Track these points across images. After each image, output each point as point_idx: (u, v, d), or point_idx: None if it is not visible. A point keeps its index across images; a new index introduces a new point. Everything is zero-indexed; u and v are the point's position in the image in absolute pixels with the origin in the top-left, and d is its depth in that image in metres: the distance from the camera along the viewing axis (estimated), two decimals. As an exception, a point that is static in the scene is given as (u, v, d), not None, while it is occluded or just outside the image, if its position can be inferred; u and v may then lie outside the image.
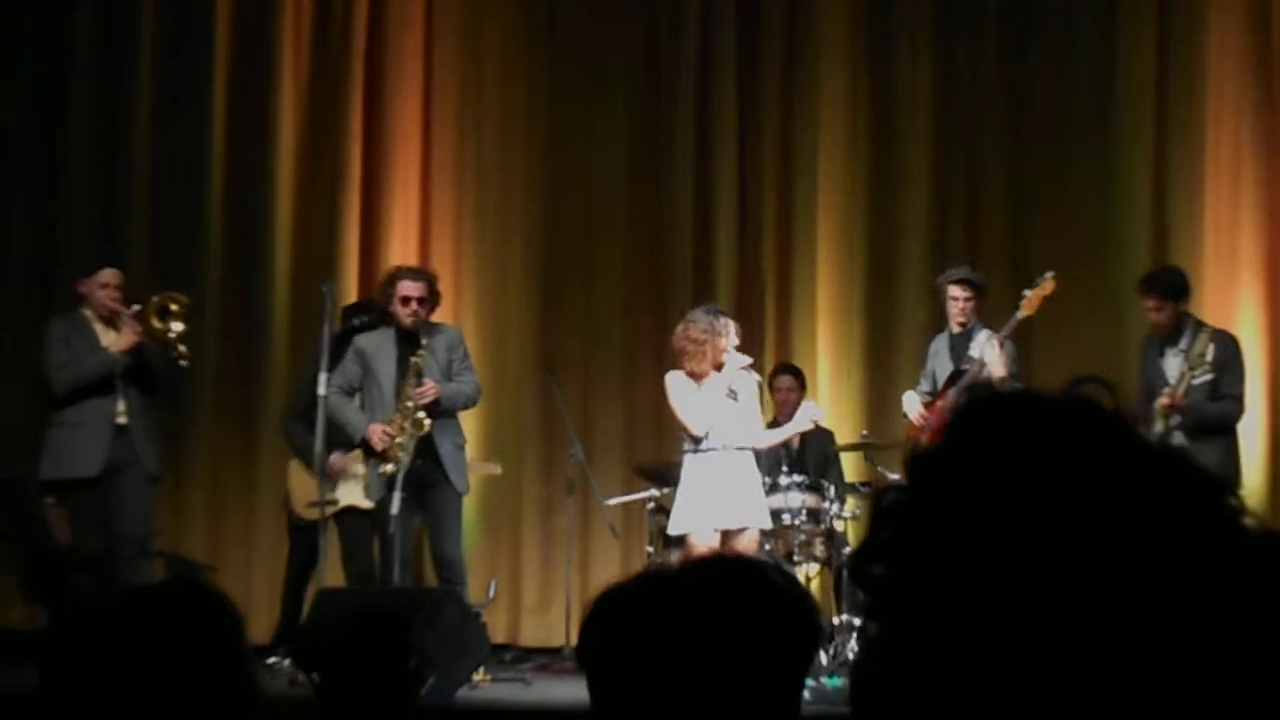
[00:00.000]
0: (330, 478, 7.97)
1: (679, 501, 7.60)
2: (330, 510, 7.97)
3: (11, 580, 8.73)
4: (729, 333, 7.56)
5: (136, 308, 7.58)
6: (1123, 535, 0.99)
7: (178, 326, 7.65)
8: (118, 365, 7.51)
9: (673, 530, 7.65)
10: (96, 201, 9.54)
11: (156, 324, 7.65)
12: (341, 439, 7.78)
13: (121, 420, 7.58)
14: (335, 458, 7.96)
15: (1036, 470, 1.01)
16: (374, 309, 8.00)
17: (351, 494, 7.96)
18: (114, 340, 7.51)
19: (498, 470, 9.00)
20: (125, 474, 7.59)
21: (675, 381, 7.58)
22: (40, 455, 7.58)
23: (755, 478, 7.64)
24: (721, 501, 7.47)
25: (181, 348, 7.68)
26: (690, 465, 7.59)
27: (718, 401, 7.52)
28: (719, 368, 7.52)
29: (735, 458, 7.55)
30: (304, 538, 8.33)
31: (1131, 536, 0.99)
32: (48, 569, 7.95)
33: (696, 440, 7.54)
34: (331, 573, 8.12)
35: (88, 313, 7.63)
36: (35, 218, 9.58)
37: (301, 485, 8.35)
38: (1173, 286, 7.73)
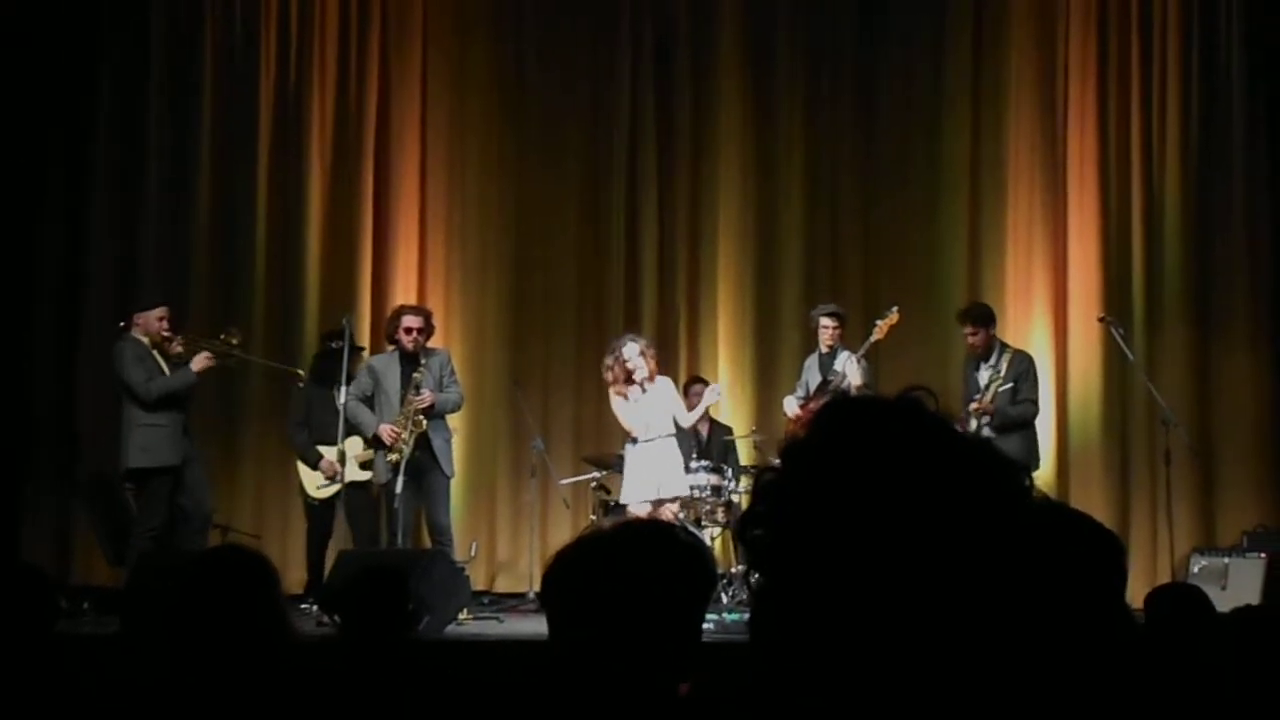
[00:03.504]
0: (329, 475, 8.05)
1: (625, 480, 7.66)
2: (339, 488, 7.97)
3: (99, 549, 8.60)
4: (624, 350, 7.65)
5: (179, 336, 7.58)
6: (938, 502, 1.00)
7: (232, 347, 7.83)
8: (193, 381, 7.49)
9: (623, 499, 7.73)
10: (167, 251, 9.38)
11: (222, 350, 7.75)
12: (351, 434, 7.81)
13: (184, 422, 7.52)
14: (325, 462, 8.02)
15: (876, 455, 1.02)
16: (342, 332, 7.94)
17: (352, 473, 7.93)
18: (195, 363, 7.47)
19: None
20: (191, 465, 7.54)
21: (613, 402, 7.67)
22: (129, 449, 7.44)
23: (678, 458, 7.69)
24: (653, 480, 7.54)
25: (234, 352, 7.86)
26: (630, 453, 7.63)
27: (643, 406, 7.59)
28: (628, 376, 7.59)
29: (661, 445, 7.61)
30: (318, 514, 8.30)
31: (944, 503, 1.00)
32: (125, 540, 7.83)
33: (634, 439, 7.62)
34: (342, 538, 8.09)
35: (141, 338, 7.54)
36: (121, 266, 9.41)
37: (308, 476, 8.31)
38: (983, 316, 7.80)
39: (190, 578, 2.42)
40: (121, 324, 7.70)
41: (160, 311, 7.59)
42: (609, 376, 7.72)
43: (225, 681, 2.25)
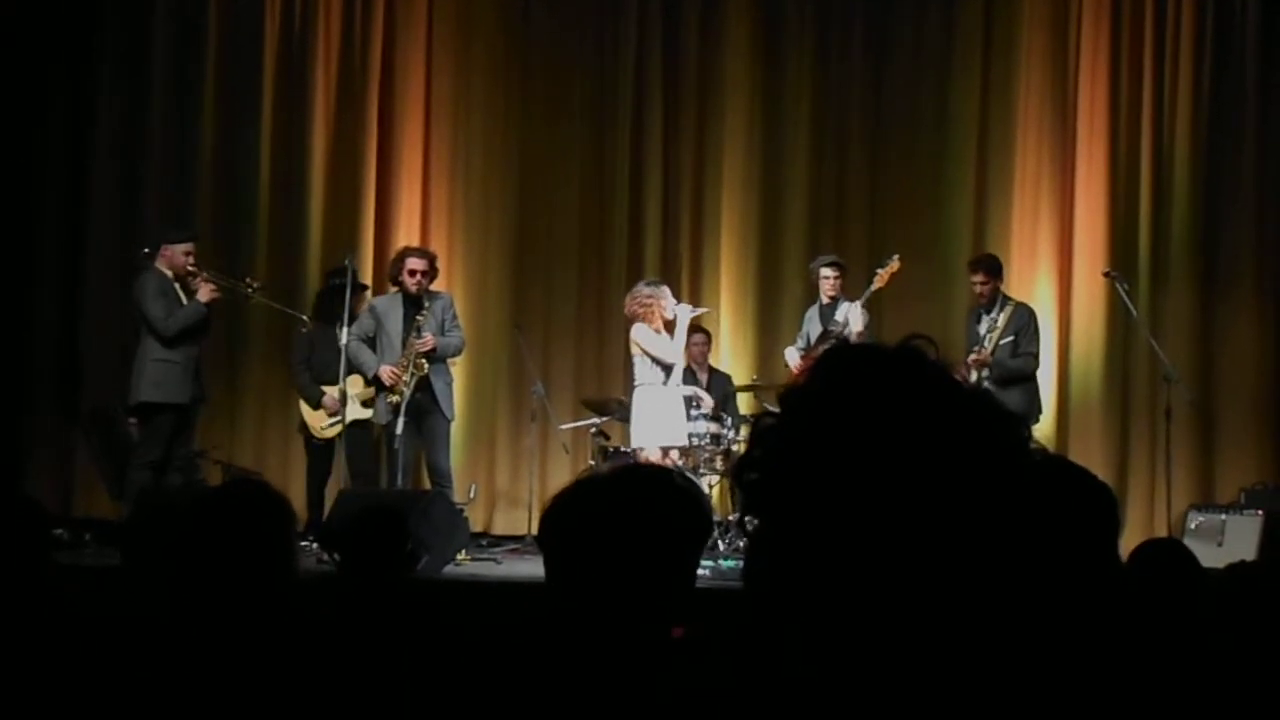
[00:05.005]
0: (331, 411, 8.07)
1: (639, 423, 7.57)
2: (343, 426, 7.97)
3: (101, 482, 8.64)
4: (668, 295, 7.61)
5: (204, 273, 7.55)
6: (935, 451, 1.00)
7: (252, 290, 8.01)
8: (204, 313, 7.47)
9: (635, 443, 7.65)
10: (173, 190, 9.36)
11: (243, 290, 7.91)
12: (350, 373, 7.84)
13: (198, 362, 7.52)
14: (328, 399, 8.02)
15: (875, 402, 1.02)
16: (346, 270, 7.91)
17: (354, 412, 7.94)
18: (201, 294, 7.45)
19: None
20: (196, 407, 7.56)
21: (645, 331, 7.56)
22: (140, 383, 7.39)
23: (684, 408, 7.71)
24: (670, 426, 7.57)
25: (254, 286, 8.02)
26: (648, 396, 7.56)
27: (680, 348, 7.59)
28: (669, 325, 7.57)
29: (677, 392, 7.62)
30: (320, 453, 8.32)
31: (941, 452, 1.00)
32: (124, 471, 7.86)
33: (667, 371, 7.53)
34: (342, 477, 8.14)
35: (165, 270, 7.52)
36: (125, 201, 9.40)
37: (311, 416, 8.33)
38: (993, 267, 7.81)
39: (209, 508, 2.42)
40: (145, 251, 7.65)
41: (187, 246, 7.54)
42: (638, 310, 7.57)
43: (226, 617, 2.27)
